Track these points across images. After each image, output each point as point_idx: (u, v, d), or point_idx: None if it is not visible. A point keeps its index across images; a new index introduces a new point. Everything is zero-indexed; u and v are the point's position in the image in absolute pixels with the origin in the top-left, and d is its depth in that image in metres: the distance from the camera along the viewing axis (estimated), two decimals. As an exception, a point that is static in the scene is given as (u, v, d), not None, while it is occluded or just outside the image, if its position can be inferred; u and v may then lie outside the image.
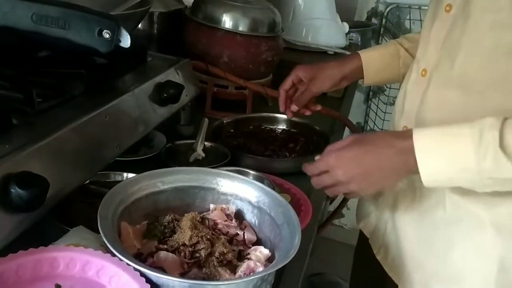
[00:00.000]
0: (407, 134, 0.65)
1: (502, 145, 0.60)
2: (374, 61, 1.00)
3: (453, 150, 0.63)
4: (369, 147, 0.67)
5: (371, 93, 2.17)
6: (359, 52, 1.01)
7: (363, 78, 1.00)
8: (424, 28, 0.82)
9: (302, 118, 1.14)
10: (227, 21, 1.18)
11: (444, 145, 0.63)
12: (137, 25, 0.96)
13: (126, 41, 0.65)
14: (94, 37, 0.62)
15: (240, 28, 1.18)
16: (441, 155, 0.63)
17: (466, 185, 0.65)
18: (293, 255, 0.57)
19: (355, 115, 2.11)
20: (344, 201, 1.66)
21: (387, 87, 2.06)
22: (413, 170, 0.64)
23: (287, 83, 1.00)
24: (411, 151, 0.64)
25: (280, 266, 0.56)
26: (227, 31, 1.18)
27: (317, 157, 0.71)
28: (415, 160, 0.63)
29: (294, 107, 1.00)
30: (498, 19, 0.66)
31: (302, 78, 0.99)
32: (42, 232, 0.66)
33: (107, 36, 0.62)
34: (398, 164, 0.66)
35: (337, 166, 0.68)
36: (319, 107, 1.04)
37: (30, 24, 0.59)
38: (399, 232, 0.84)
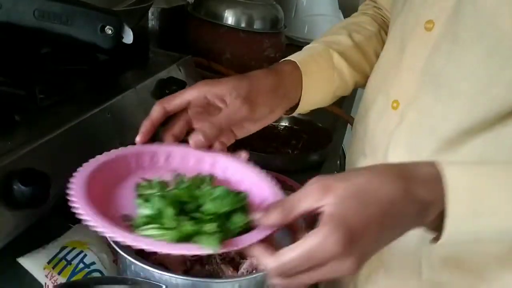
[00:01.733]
0: (435, 188, 0.43)
1: None
2: (313, 74, 0.66)
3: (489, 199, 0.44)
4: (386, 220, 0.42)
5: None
6: (293, 58, 0.66)
7: (297, 102, 0.66)
8: (390, 46, 0.66)
9: (304, 115, 1.14)
10: (230, 17, 1.18)
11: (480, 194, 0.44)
12: (139, 22, 0.96)
13: (128, 37, 0.65)
14: (97, 33, 0.62)
15: (243, 25, 1.18)
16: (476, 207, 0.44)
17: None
18: (296, 253, 0.56)
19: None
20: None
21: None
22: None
23: (174, 105, 0.57)
24: (434, 210, 0.44)
25: (283, 263, 0.56)
26: (229, 28, 1.18)
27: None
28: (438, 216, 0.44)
29: (199, 140, 0.54)
30: (496, 46, 0.51)
31: (214, 99, 0.58)
32: (45, 228, 0.66)
33: (109, 32, 0.62)
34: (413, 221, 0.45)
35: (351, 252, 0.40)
36: (246, 155, 0.58)
37: (32, 20, 0.59)
38: None
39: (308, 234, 0.40)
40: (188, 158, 0.57)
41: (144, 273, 0.54)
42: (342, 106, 1.36)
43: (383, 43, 0.72)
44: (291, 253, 0.41)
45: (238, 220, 0.46)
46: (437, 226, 0.45)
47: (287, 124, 1.13)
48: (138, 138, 0.57)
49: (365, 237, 0.41)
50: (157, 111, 0.57)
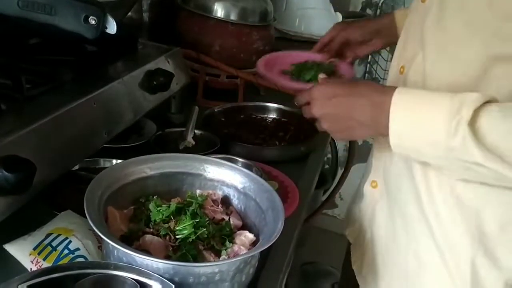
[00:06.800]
0: (388, 90, 0.61)
1: (472, 125, 0.55)
2: (399, 27, 0.93)
3: (426, 118, 0.58)
4: (350, 92, 0.65)
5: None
6: (395, 12, 0.99)
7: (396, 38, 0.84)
8: (405, 20, 0.79)
9: (292, 107, 1.15)
10: (219, 10, 1.18)
11: (420, 111, 0.59)
12: (128, 13, 0.96)
13: (112, 27, 0.65)
14: (80, 23, 0.62)
15: (232, 17, 1.19)
16: (413, 121, 0.59)
17: (433, 162, 0.62)
18: (275, 239, 0.58)
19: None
20: (335, 190, 1.67)
21: (381, 79, 2.07)
22: (383, 131, 0.61)
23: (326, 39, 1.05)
24: (385, 108, 0.60)
25: (262, 248, 0.57)
26: (218, 20, 1.18)
27: (321, 75, 0.74)
28: (387, 119, 0.60)
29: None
30: (471, 20, 0.61)
31: (351, 41, 1.03)
32: (31, 216, 0.67)
33: (93, 22, 0.63)
34: (370, 118, 0.63)
35: (316, 100, 0.68)
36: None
37: (16, 10, 0.60)
38: (375, 243, 0.81)
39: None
40: None
41: (126, 258, 0.56)
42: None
43: None
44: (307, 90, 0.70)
45: None
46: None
47: (275, 116, 1.14)
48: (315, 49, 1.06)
49: (338, 99, 0.66)
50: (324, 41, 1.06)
